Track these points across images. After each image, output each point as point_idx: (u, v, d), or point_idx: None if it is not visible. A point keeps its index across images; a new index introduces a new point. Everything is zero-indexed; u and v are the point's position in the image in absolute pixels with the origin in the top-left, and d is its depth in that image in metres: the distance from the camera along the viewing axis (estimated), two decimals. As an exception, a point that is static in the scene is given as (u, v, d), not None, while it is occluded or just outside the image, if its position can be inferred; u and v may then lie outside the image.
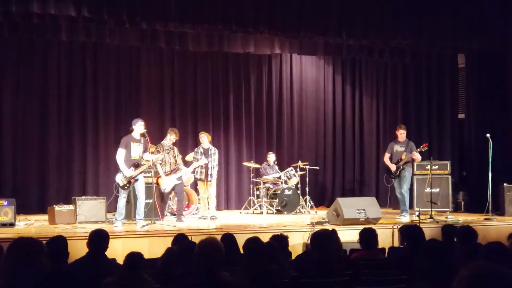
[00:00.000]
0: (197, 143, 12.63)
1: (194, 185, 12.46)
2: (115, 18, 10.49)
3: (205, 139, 11.47)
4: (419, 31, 12.16)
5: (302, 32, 11.61)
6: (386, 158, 11.77)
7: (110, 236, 5.58)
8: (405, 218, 11.01)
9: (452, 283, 1.87)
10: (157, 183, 10.54)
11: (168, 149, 10.71)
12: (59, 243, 5.05)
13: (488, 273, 1.75)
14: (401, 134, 11.67)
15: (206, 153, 11.34)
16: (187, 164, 11.56)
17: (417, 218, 10.19)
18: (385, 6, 11.81)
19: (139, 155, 9.89)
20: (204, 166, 11.25)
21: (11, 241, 3.62)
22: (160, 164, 10.54)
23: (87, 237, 5.45)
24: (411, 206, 12.63)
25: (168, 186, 10.61)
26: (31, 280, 3.42)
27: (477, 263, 1.84)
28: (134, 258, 4.70)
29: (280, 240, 6.22)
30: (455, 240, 6.37)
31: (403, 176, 11.50)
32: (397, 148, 11.69)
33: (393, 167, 11.52)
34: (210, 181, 11.35)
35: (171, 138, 10.76)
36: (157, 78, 13.88)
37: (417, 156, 11.53)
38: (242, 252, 5.48)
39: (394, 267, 5.73)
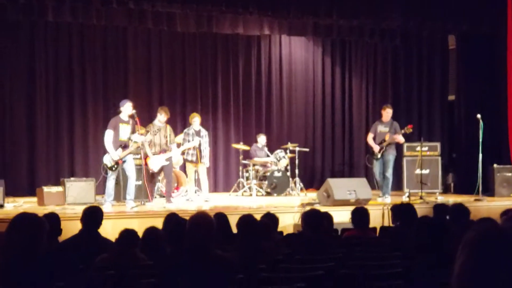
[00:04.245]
0: (185, 124, 12.54)
1: (183, 167, 12.39)
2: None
3: (196, 121, 11.37)
4: (409, 12, 12.15)
5: (291, 12, 11.53)
6: (370, 138, 11.58)
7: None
8: (387, 200, 10.91)
9: (458, 247, 1.82)
10: (146, 164, 10.44)
11: (157, 130, 10.48)
12: (52, 220, 5.00)
13: (496, 233, 1.71)
14: (387, 113, 11.47)
15: (197, 134, 11.25)
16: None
17: (407, 199, 10.19)
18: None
19: (127, 137, 9.82)
20: (196, 147, 11.16)
21: (14, 215, 3.57)
22: (149, 145, 10.38)
23: (77, 218, 5.43)
24: (401, 187, 12.65)
25: (155, 166, 10.47)
26: (33, 256, 3.39)
27: (484, 224, 1.80)
28: (128, 235, 4.67)
29: (271, 219, 6.21)
30: (447, 218, 6.38)
31: (387, 160, 11.33)
32: (381, 128, 11.50)
33: (376, 148, 11.34)
34: (203, 162, 11.28)
35: (161, 117, 10.57)
36: (144, 59, 13.73)
37: (400, 139, 11.39)
38: (234, 231, 5.46)
39: (386, 245, 5.73)
